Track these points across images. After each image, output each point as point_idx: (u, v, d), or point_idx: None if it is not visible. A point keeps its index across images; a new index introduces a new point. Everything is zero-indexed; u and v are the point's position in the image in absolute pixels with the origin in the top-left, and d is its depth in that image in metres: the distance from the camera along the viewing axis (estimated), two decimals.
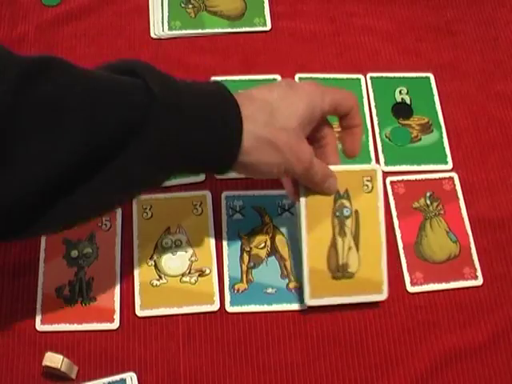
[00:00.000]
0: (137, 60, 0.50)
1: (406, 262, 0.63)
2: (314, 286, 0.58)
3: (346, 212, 0.59)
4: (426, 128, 0.70)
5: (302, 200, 0.58)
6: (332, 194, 0.58)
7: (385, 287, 0.59)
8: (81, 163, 0.44)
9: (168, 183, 0.64)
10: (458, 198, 0.66)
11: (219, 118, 0.50)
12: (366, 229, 0.59)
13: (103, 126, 0.44)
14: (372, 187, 0.59)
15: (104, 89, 0.45)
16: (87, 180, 0.45)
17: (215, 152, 0.51)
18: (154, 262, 0.62)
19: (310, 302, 0.58)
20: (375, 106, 0.71)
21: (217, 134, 0.50)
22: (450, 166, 0.68)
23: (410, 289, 0.62)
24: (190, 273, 0.61)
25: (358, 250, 0.59)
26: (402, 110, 0.71)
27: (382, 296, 0.59)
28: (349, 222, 0.59)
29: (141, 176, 0.48)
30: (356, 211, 0.59)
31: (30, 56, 0.44)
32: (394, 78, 0.73)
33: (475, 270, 0.63)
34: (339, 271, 0.59)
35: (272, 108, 0.52)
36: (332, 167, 0.58)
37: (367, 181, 0.59)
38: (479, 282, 0.62)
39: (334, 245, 0.59)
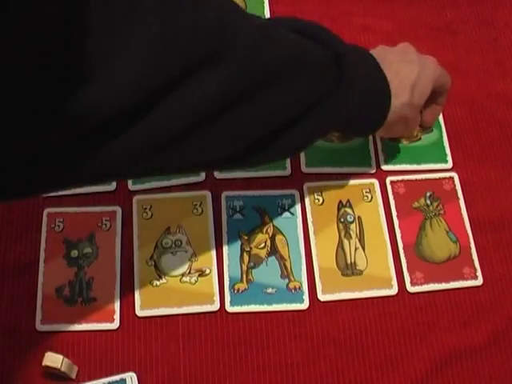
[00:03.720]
0: (324, 30, 0.57)
1: (406, 262, 0.63)
2: (326, 283, 0.61)
3: (349, 218, 0.64)
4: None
5: (308, 209, 0.64)
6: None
7: (394, 282, 0.61)
8: (279, 124, 0.49)
9: (168, 183, 0.64)
10: (457, 197, 0.66)
11: (378, 100, 0.58)
12: (369, 231, 0.64)
13: (303, 95, 0.50)
14: (372, 197, 0.65)
15: (308, 62, 0.50)
16: (279, 137, 0.50)
17: (365, 126, 0.59)
18: (154, 262, 0.62)
19: (323, 297, 0.60)
20: None
21: (373, 113, 0.58)
22: (449, 165, 0.68)
23: (410, 289, 0.62)
24: (190, 273, 0.61)
25: (364, 250, 0.63)
26: None
27: (392, 291, 0.61)
28: (353, 226, 0.64)
29: (309, 137, 0.53)
30: (359, 217, 0.64)
31: (254, 20, 0.50)
32: None
33: (475, 269, 0.63)
34: (348, 269, 0.62)
35: (411, 86, 0.58)
36: (332, 182, 0.66)
37: (367, 192, 0.65)
38: (479, 282, 0.62)
39: (341, 246, 0.63)
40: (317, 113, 0.51)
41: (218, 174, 0.66)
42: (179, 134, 0.41)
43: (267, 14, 0.76)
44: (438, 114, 0.67)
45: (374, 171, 0.67)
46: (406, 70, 0.59)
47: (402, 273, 0.62)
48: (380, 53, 0.60)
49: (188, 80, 0.39)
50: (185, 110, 0.40)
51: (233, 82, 0.42)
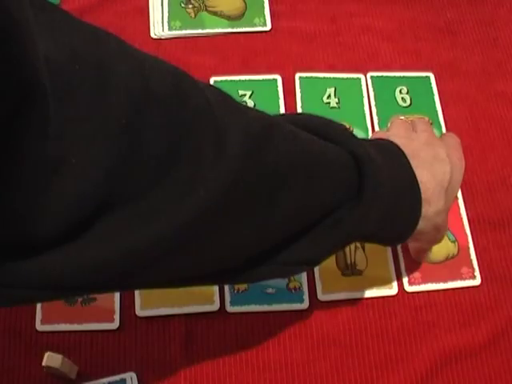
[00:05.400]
0: (335, 123, 0.48)
1: (404, 262, 0.63)
2: (326, 283, 0.61)
3: None
4: None
5: None
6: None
7: (394, 282, 0.61)
8: (283, 238, 0.42)
9: None
10: (457, 197, 0.66)
11: (407, 208, 0.50)
12: None
13: (315, 204, 0.42)
14: None
15: (320, 164, 0.43)
16: (283, 251, 0.43)
17: (392, 235, 0.52)
18: None
19: (323, 297, 0.60)
20: (375, 105, 0.71)
21: (400, 222, 0.50)
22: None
23: (408, 288, 0.62)
24: None
25: (364, 250, 0.63)
26: None
27: (392, 291, 0.61)
28: None
29: (321, 251, 0.46)
30: None
31: (254, 113, 0.41)
32: (394, 77, 0.73)
33: (473, 269, 0.63)
34: (348, 269, 0.62)
35: (445, 190, 0.52)
36: None
37: None
38: (477, 281, 0.62)
39: None
40: (333, 224, 0.43)
41: None
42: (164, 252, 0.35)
43: (267, 14, 0.76)
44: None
45: None
46: (440, 173, 0.51)
47: (401, 272, 0.62)
48: (407, 145, 0.51)
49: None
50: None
51: (220, 191, 0.35)
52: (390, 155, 0.49)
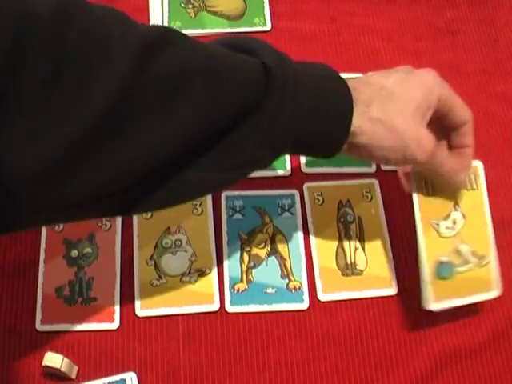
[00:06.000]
0: (253, 39, 0.49)
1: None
2: (326, 283, 0.61)
3: (349, 218, 0.64)
4: None
5: (308, 209, 0.64)
6: (460, 188, 0.57)
7: (394, 282, 0.61)
8: (196, 139, 0.43)
9: None
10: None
11: (332, 104, 0.49)
12: (370, 232, 0.64)
13: (222, 103, 0.43)
14: (371, 197, 0.65)
15: (223, 65, 0.44)
16: (199, 156, 0.44)
17: (326, 136, 0.49)
18: (154, 261, 0.62)
19: (323, 297, 0.60)
20: None
21: (329, 120, 0.49)
22: None
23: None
24: (190, 273, 0.61)
25: (364, 250, 0.63)
26: None
27: (392, 291, 0.61)
28: (353, 226, 0.64)
29: (252, 154, 0.47)
30: (359, 217, 0.64)
31: (147, 26, 0.42)
32: None
33: None
34: (348, 269, 0.62)
35: (387, 92, 0.50)
36: (332, 182, 0.65)
37: (366, 192, 0.65)
38: None
39: (341, 246, 0.63)
40: (243, 130, 0.45)
41: None
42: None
43: (267, 14, 0.76)
44: (468, 162, 0.55)
45: (373, 171, 0.67)
46: (381, 79, 0.51)
47: (401, 273, 0.62)
48: (368, 76, 0.53)
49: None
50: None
51: (114, 94, 0.38)
52: (314, 66, 0.50)
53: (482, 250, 0.59)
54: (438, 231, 0.58)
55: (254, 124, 0.45)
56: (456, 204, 0.59)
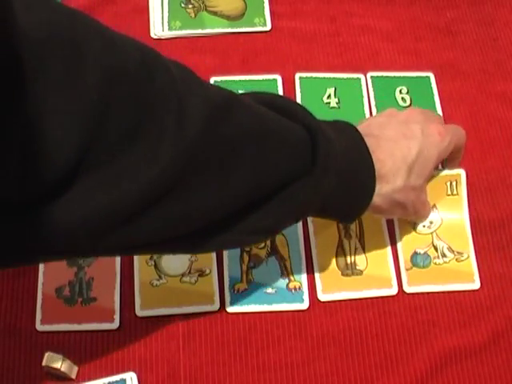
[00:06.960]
0: (295, 103, 0.51)
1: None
2: (326, 283, 0.61)
3: None
4: None
5: None
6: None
7: (394, 282, 0.61)
8: (238, 207, 0.44)
9: None
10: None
11: (360, 182, 0.51)
12: (370, 232, 0.63)
13: (272, 168, 0.45)
14: None
15: (274, 137, 0.45)
16: (240, 220, 0.45)
17: (351, 210, 0.53)
18: (154, 261, 0.62)
19: (323, 297, 0.60)
20: (375, 105, 0.71)
21: (355, 197, 0.51)
22: None
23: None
24: (190, 273, 0.61)
25: (364, 250, 0.63)
26: None
27: (392, 291, 0.61)
28: (353, 226, 0.64)
29: (277, 222, 0.48)
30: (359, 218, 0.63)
31: (214, 86, 0.44)
32: (395, 77, 0.73)
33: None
34: (348, 269, 0.62)
35: (407, 167, 0.52)
36: None
37: None
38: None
39: (341, 246, 0.63)
40: (287, 196, 0.46)
41: None
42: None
43: (267, 14, 0.76)
44: (458, 164, 0.63)
45: None
46: (404, 150, 0.52)
47: (400, 272, 0.62)
48: (378, 126, 0.54)
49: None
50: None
51: (178, 159, 0.38)
52: (344, 134, 0.50)
53: (459, 248, 0.62)
54: (414, 229, 0.62)
55: (297, 194, 0.46)
56: (435, 207, 0.62)
